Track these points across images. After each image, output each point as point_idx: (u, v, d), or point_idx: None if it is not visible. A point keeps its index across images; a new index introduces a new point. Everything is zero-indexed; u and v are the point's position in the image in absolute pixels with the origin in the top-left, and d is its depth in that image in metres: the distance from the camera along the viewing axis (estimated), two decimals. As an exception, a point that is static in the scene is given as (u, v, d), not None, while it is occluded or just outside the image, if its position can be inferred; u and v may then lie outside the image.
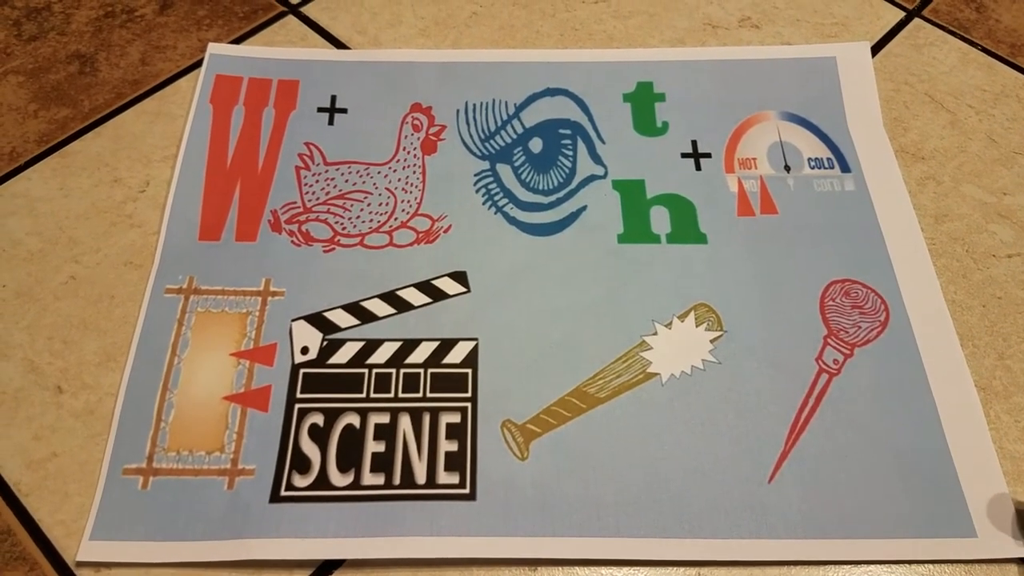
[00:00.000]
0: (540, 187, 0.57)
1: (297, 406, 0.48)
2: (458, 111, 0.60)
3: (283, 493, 0.46)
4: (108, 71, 0.64)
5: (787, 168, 0.57)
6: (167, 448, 0.47)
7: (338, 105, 0.60)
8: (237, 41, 0.65)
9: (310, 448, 0.47)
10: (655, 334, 0.51)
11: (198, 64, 0.63)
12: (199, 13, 0.67)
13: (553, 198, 0.57)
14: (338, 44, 0.65)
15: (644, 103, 0.61)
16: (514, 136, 0.59)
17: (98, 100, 0.62)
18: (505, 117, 0.60)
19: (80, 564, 0.44)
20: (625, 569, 0.45)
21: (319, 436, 0.47)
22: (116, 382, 0.49)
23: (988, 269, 0.55)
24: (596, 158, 0.58)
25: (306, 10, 0.67)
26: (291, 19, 0.66)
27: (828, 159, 0.58)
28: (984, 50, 0.67)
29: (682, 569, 0.45)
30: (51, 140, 0.60)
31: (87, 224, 0.56)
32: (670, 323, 0.52)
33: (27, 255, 0.54)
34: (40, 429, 0.48)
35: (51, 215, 0.56)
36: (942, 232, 0.57)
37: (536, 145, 0.59)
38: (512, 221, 0.55)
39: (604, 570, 0.45)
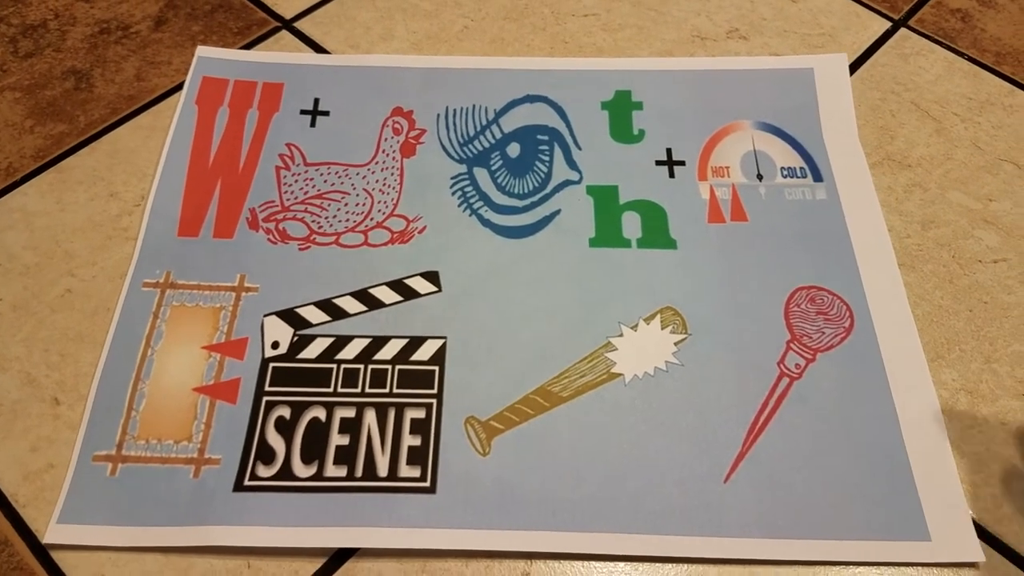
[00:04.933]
0: (515, 191, 0.58)
1: (265, 399, 0.49)
2: (438, 115, 0.62)
3: (247, 483, 0.47)
4: (103, 87, 0.65)
5: (759, 177, 0.58)
6: (137, 436, 0.48)
7: (320, 108, 0.62)
8: (233, 54, 0.67)
9: (276, 440, 0.48)
10: (620, 335, 0.52)
11: (193, 78, 0.65)
12: (193, 29, 0.69)
13: (527, 202, 0.57)
14: (332, 56, 0.67)
15: (621, 111, 0.61)
16: (492, 141, 0.60)
17: (94, 115, 0.63)
18: (484, 122, 0.61)
19: (49, 546, 0.45)
20: (599, 563, 0.45)
21: (285, 428, 0.48)
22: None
23: (974, 274, 0.55)
24: (572, 164, 0.59)
25: (299, 25, 0.69)
26: (285, 34, 0.68)
27: (801, 168, 0.58)
28: (970, 59, 0.67)
29: (640, 564, 0.45)
30: (47, 155, 0.61)
31: (83, 238, 0.57)
32: (636, 325, 0.52)
33: (24, 269, 0.55)
34: (37, 440, 0.49)
35: (47, 229, 0.57)
36: (929, 238, 0.57)
37: (514, 150, 0.60)
38: (486, 223, 0.56)
39: (597, 564, 0.45)
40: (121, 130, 0.63)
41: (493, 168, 0.59)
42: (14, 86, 0.65)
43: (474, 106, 0.62)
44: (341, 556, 0.45)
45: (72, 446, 0.48)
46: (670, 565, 0.45)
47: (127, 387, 0.50)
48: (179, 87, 0.65)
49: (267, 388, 0.50)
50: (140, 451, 0.48)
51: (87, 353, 0.52)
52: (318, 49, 0.67)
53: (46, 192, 0.59)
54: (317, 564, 0.45)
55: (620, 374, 0.50)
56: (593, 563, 0.45)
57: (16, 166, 0.61)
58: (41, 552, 0.45)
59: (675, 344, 0.51)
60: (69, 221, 0.58)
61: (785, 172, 0.58)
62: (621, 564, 0.45)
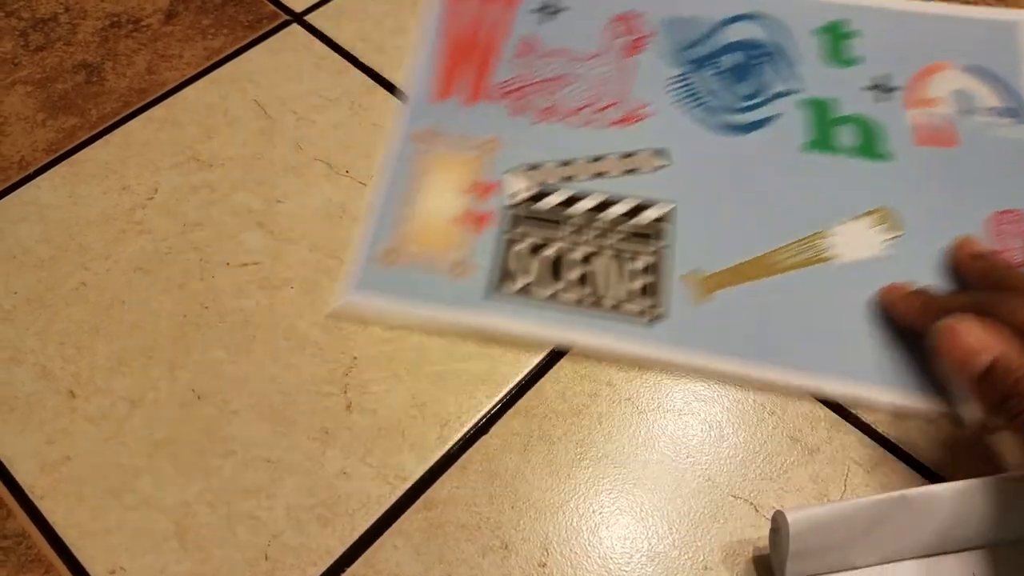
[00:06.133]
0: (732, 95, 0.58)
1: (506, 237, 0.52)
2: (663, 19, 0.62)
3: (499, 292, 0.50)
4: (115, 80, 0.61)
5: (966, 112, 0.59)
6: (406, 245, 0.52)
7: (560, 4, 0.65)
8: (242, 51, 0.61)
9: (517, 267, 0.51)
10: (836, 225, 0.51)
11: (204, 72, 0.60)
12: (204, 22, 0.64)
13: (744, 105, 0.58)
14: (343, 52, 0.61)
15: (837, 37, 0.62)
16: (712, 50, 0.61)
17: (105, 109, 0.60)
18: (705, 32, 0.62)
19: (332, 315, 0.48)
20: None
21: (525, 260, 0.51)
22: (127, 386, 0.48)
23: None
24: (787, 78, 0.59)
25: (310, 19, 0.63)
26: (296, 27, 0.62)
27: (1009, 108, 0.59)
28: None
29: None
30: (60, 149, 0.58)
31: (97, 231, 0.54)
32: (850, 220, 0.52)
33: (38, 262, 0.53)
34: (53, 433, 0.47)
35: (61, 222, 0.54)
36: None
37: (731, 60, 0.60)
38: (701, 123, 0.57)
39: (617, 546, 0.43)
40: (133, 123, 0.59)
41: (710, 75, 0.59)
42: (25, 80, 0.62)
43: (696, 15, 0.63)
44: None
45: (89, 439, 0.46)
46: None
47: (399, 208, 0.53)
48: (190, 81, 0.60)
49: (508, 230, 0.53)
50: (410, 258, 0.52)
51: (102, 346, 0.49)
52: (330, 43, 0.61)
53: (59, 185, 0.56)
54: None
55: (832, 257, 0.50)
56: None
57: (29, 160, 0.57)
58: (59, 544, 0.44)
59: (887, 240, 0.51)
60: (82, 214, 0.55)
61: (992, 111, 0.59)
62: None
